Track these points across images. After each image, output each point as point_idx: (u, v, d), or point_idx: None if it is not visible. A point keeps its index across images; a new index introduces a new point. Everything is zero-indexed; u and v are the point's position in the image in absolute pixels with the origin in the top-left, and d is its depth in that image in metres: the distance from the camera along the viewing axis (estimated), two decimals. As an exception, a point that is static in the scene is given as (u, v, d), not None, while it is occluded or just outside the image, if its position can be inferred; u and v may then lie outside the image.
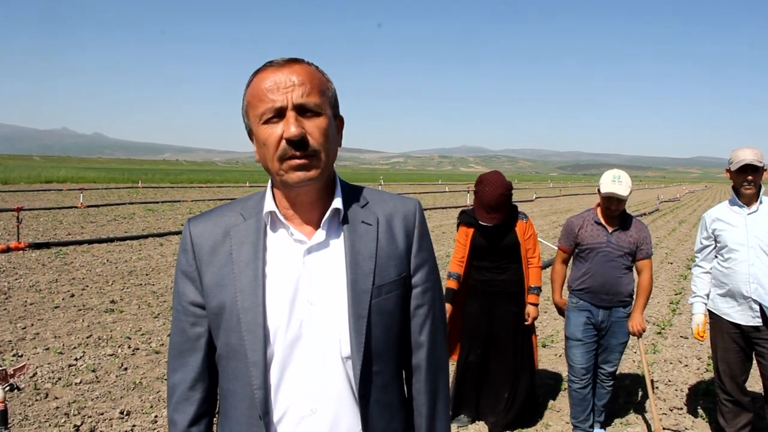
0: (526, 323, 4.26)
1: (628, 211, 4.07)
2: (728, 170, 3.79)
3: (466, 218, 4.30)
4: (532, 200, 35.95)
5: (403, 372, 1.45)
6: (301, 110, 1.22)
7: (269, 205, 1.32)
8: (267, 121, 1.23)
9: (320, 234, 1.31)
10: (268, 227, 1.33)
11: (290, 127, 1.20)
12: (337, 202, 1.32)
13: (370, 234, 1.33)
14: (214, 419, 1.42)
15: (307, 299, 1.28)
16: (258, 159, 1.30)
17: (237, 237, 1.32)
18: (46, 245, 11.80)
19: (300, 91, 1.22)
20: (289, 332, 1.27)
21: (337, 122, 1.33)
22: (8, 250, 11.01)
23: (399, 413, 1.38)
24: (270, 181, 1.35)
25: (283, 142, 1.21)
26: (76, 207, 20.57)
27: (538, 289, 4.28)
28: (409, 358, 1.42)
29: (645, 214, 24.98)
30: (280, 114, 1.22)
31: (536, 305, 4.27)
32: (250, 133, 1.30)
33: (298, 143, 1.20)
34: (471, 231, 4.26)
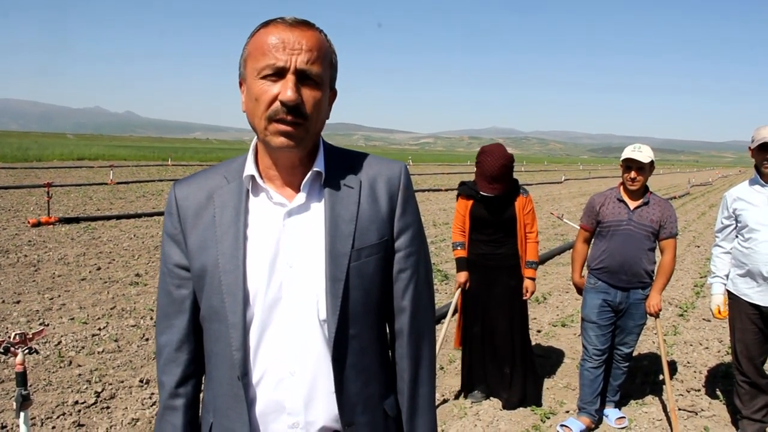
0: (524, 298, 4.28)
1: (657, 194, 3.98)
2: (750, 148, 3.70)
3: (465, 189, 4.31)
4: (560, 182, 35.50)
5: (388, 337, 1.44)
6: (302, 76, 1.20)
7: (250, 168, 1.32)
8: (265, 77, 1.21)
9: (300, 197, 1.30)
10: (250, 191, 1.33)
11: (288, 90, 1.18)
12: (319, 165, 1.31)
13: (352, 197, 1.31)
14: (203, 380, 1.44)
15: (287, 262, 1.28)
16: (244, 110, 1.28)
17: (220, 200, 1.32)
18: (76, 220, 12.07)
19: (306, 57, 1.20)
20: (269, 295, 1.27)
21: (330, 95, 1.31)
22: (39, 224, 11.30)
23: (377, 378, 1.37)
24: (253, 142, 1.35)
25: (276, 103, 1.20)
26: (105, 183, 20.95)
27: (536, 264, 4.30)
28: (393, 322, 1.41)
29: (675, 198, 24.51)
30: (279, 74, 1.20)
31: (533, 279, 4.29)
32: (242, 82, 1.29)
33: (292, 108, 1.19)
34: (470, 203, 4.27)
